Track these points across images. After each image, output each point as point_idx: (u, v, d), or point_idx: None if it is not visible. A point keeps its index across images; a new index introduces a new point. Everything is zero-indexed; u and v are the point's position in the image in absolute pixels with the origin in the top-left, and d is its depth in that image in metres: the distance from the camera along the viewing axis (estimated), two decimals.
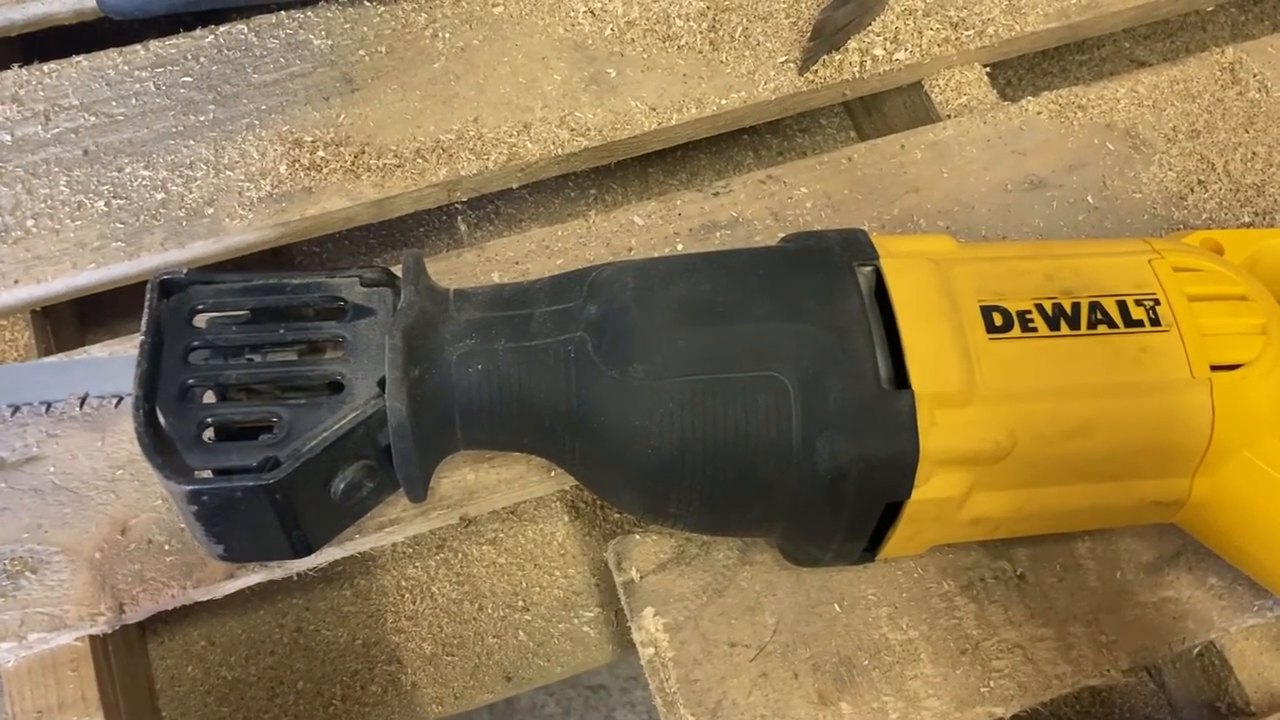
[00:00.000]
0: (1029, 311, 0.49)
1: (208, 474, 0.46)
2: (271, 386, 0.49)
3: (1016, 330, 0.48)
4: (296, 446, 0.46)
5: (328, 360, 0.49)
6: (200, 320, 0.50)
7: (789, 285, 0.48)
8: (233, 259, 0.62)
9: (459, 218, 0.74)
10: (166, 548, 0.54)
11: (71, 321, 0.69)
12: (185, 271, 0.50)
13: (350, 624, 0.66)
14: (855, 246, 0.50)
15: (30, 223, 0.61)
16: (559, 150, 0.65)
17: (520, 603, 0.67)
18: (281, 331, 0.49)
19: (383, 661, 0.65)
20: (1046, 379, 0.48)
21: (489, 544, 0.68)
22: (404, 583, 0.67)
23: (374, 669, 0.65)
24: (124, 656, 0.58)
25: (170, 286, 0.50)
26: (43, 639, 0.52)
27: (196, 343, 0.48)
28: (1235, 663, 0.58)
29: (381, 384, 0.48)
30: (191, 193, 0.62)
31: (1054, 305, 0.49)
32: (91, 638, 0.54)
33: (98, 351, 0.58)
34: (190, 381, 0.47)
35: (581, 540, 0.69)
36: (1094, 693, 0.67)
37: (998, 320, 0.48)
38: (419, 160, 0.64)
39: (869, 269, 0.49)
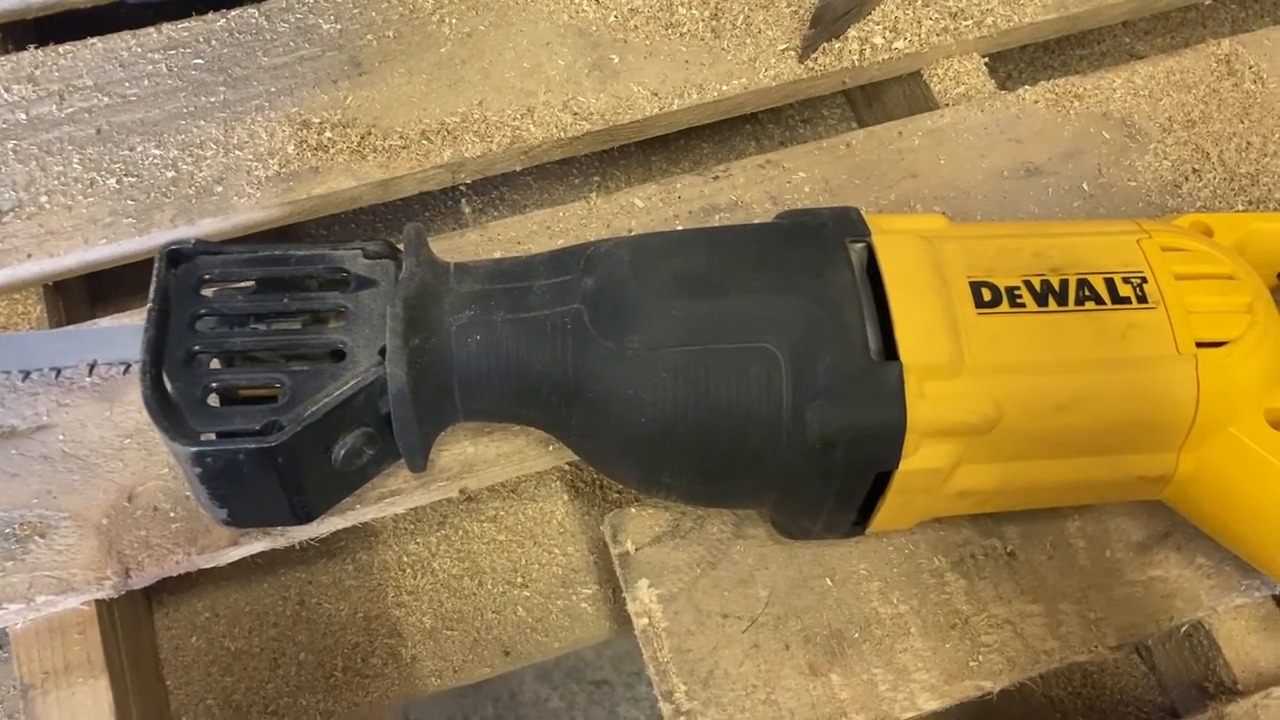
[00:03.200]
0: (1018, 288, 0.50)
1: (212, 437, 0.47)
2: (275, 354, 0.50)
3: (1005, 305, 0.49)
4: (298, 411, 0.47)
5: (330, 329, 0.50)
6: (207, 290, 0.51)
7: (781, 259, 0.49)
8: (241, 236, 0.63)
9: (463, 200, 0.75)
10: (172, 515, 0.55)
11: (82, 297, 0.70)
12: (193, 242, 0.51)
13: (352, 598, 0.67)
14: (848, 223, 0.51)
15: (44, 199, 0.62)
16: (561, 134, 0.66)
17: (519, 579, 0.68)
18: (286, 301, 0.50)
19: (383, 635, 0.66)
20: (1034, 353, 0.49)
21: (489, 521, 0.69)
22: (405, 558, 0.68)
23: (374, 642, 0.66)
24: (130, 624, 0.59)
25: (178, 256, 0.51)
26: (50, 601, 0.54)
27: (203, 311, 0.50)
28: (1223, 642, 0.58)
29: (383, 352, 0.49)
30: (201, 171, 0.63)
31: (1042, 282, 0.50)
32: (98, 603, 0.55)
33: (106, 322, 0.59)
34: (196, 348, 0.49)
35: (580, 519, 0.69)
36: (1085, 674, 0.67)
37: (986, 296, 0.49)
38: (424, 142, 0.65)
39: (861, 245, 0.50)
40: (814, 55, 0.69)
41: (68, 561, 0.54)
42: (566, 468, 0.68)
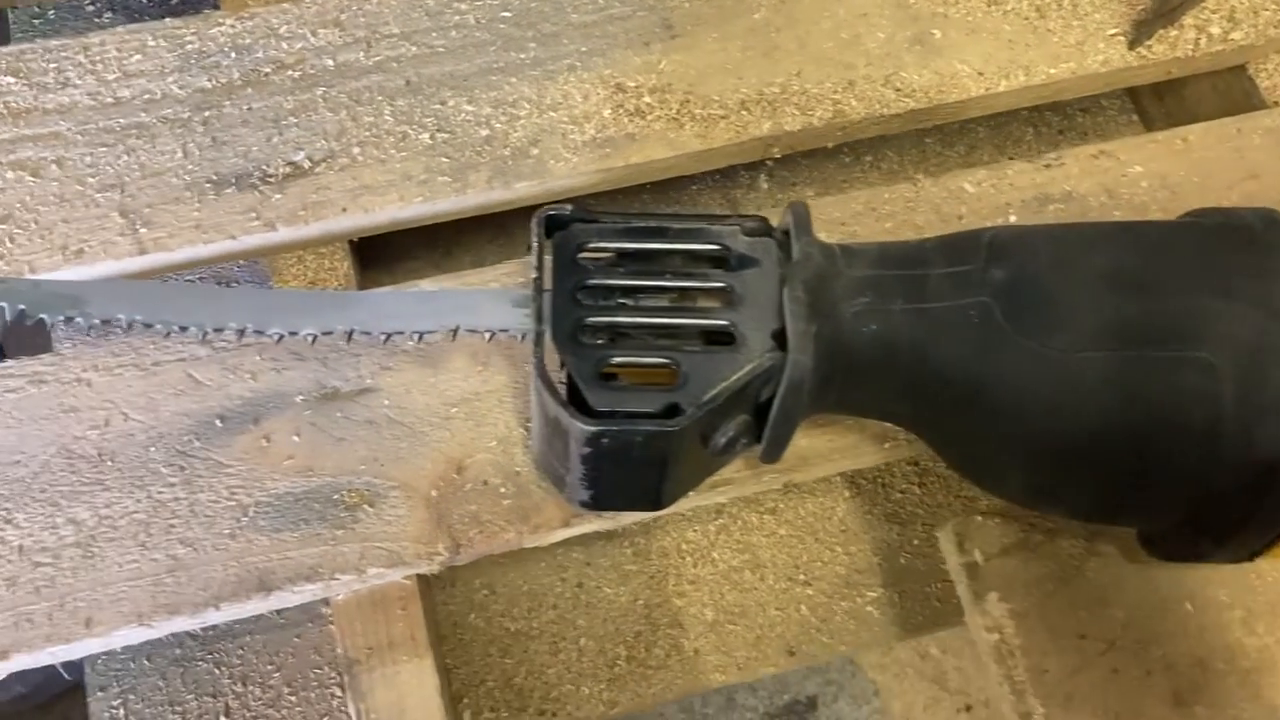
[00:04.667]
0: None
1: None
2: (658, 332, 0.47)
3: None
4: (696, 395, 0.44)
5: (717, 310, 0.47)
6: (582, 258, 0.48)
7: (1216, 262, 0.46)
8: (551, 202, 0.60)
9: (761, 175, 0.72)
10: (502, 490, 0.53)
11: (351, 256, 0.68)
12: (569, 208, 0.48)
13: (631, 583, 0.64)
14: (1278, 227, 0.47)
15: (356, 150, 0.59)
16: (883, 110, 0.63)
17: (801, 576, 0.65)
18: (669, 277, 0.47)
19: (665, 625, 0.63)
20: None
21: (769, 513, 0.66)
22: (684, 546, 0.65)
23: (657, 632, 0.63)
24: (427, 599, 0.57)
25: (554, 222, 0.48)
26: (379, 574, 0.51)
27: (587, 281, 0.47)
28: None
29: (775, 336, 0.46)
30: (516, 131, 0.60)
31: None
32: (418, 577, 0.53)
33: (427, 284, 0.56)
34: (588, 321, 0.46)
35: (862, 518, 0.66)
36: None
37: None
38: (743, 112, 0.62)
39: None
40: (1147, 42, 0.65)
41: (398, 533, 0.52)
42: (892, 463, 0.65)
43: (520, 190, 0.59)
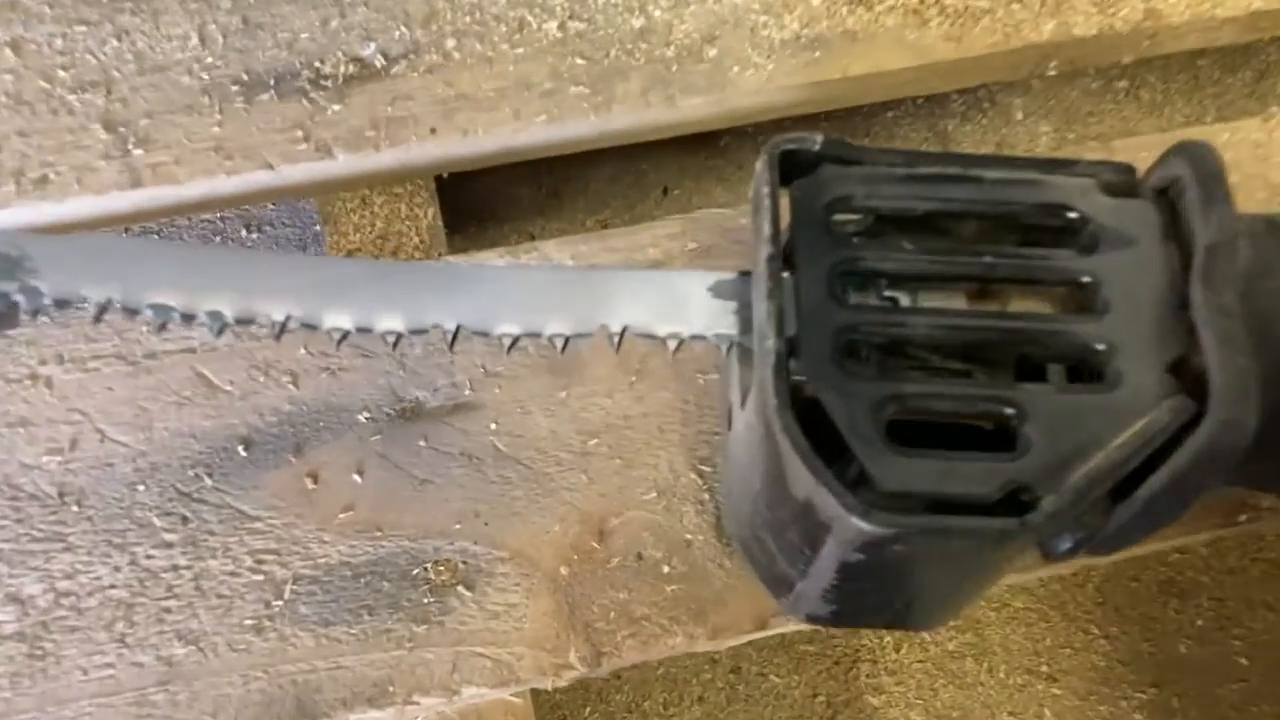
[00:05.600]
0: None
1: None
2: (953, 354, 0.28)
3: None
4: (1051, 470, 0.26)
5: (1075, 322, 0.28)
6: (837, 223, 0.29)
7: None
8: (734, 129, 0.42)
9: (1016, 102, 0.52)
10: (666, 570, 0.35)
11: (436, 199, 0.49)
12: (819, 140, 0.29)
13: (808, 671, 0.47)
14: None
15: (451, 43, 0.41)
16: (1214, 11, 0.43)
17: (1044, 668, 0.47)
18: (988, 260, 0.28)
19: None
20: None
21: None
22: None
23: None
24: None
25: (794, 162, 0.29)
26: (479, 694, 0.34)
27: (854, 263, 0.28)
28: None
29: (1174, 370, 0.27)
30: (684, 22, 0.42)
31: None
32: (533, 692, 0.35)
33: (585, 247, 0.38)
34: (862, 332, 0.27)
35: (1126, 586, 0.48)
36: None
37: None
38: (1013, 6, 0.42)
39: None
40: None
41: (508, 632, 0.34)
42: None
43: (688, 110, 0.41)
